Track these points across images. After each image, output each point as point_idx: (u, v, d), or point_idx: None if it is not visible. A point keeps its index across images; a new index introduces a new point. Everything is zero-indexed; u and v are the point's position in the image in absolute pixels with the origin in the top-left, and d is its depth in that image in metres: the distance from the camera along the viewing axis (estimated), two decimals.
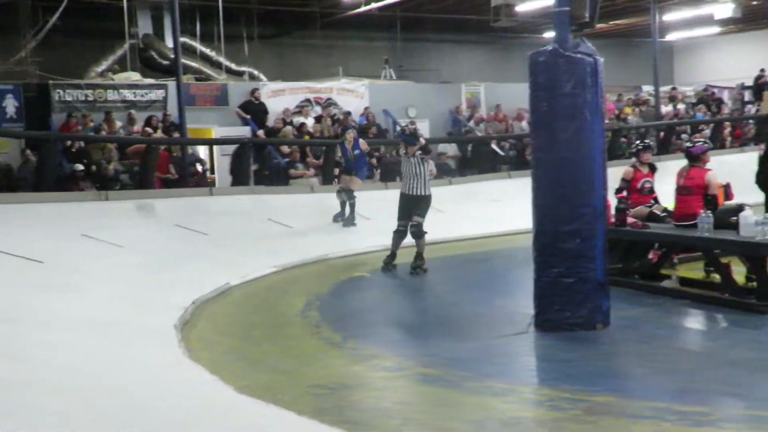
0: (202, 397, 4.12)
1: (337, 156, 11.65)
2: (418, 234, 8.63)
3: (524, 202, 7.19)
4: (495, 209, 12.15)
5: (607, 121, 11.75)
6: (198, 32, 17.44)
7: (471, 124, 17.36)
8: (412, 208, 8.70)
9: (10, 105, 13.46)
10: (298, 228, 10.58)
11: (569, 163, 5.83)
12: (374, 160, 14.03)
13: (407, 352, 5.48)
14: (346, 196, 10.93)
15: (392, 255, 8.82)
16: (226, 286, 7.80)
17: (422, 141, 8.96)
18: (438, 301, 7.44)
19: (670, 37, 24.12)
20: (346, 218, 10.94)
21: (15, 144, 12.77)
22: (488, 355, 5.35)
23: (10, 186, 11.47)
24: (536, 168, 6.05)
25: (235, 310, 7.06)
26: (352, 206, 10.92)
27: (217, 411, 3.84)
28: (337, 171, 11.78)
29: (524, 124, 17.25)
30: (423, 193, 8.73)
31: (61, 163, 11.70)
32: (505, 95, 18.21)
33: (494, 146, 16.08)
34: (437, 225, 11.27)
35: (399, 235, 8.79)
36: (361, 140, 11.36)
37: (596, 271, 5.85)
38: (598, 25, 8.89)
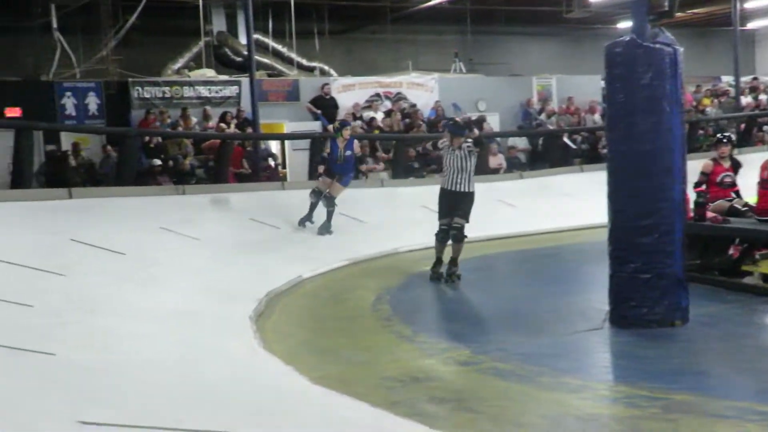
0: (278, 386, 4.20)
1: (324, 152, 10.12)
2: (459, 237, 7.86)
3: (597, 196, 7.09)
4: (567, 203, 11.95)
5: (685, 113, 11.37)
6: (270, 29, 17.70)
7: (542, 117, 17.11)
8: (454, 206, 7.92)
9: (92, 102, 13.97)
10: (369, 222, 10.63)
11: (647, 155, 5.70)
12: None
13: (479, 347, 5.45)
14: (325, 202, 9.81)
15: (439, 261, 8.03)
16: (299, 278, 7.92)
17: (475, 133, 8.26)
18: (509, 295, 7.36)
19: (752, 25, 23.23)
20: (321, 225, 9.82)
21: (97, 140, 13.24)
22: (562, 350, 5.28)
23: (93, 180, 11.89)
24: (612, 161, 5.93)
25: (308, 302, 7.17)
26: (330, 214, 9.81)
27: (294, 400, 3.91)
28: (321, 169, 10.05)
29: (597, 116, 16.91)
30: (466, 190, 7.90)
31: (140, 159, 12.07)
32: (578, 87, 17.90)
33: (566, 139, 15.80)
34: (508, 220, 11.21)
35: (443, 237, 8.01)
36: (356, 141, 10.38)
37: (674, 266, 5.71)
38: (676, 14, 8.60)
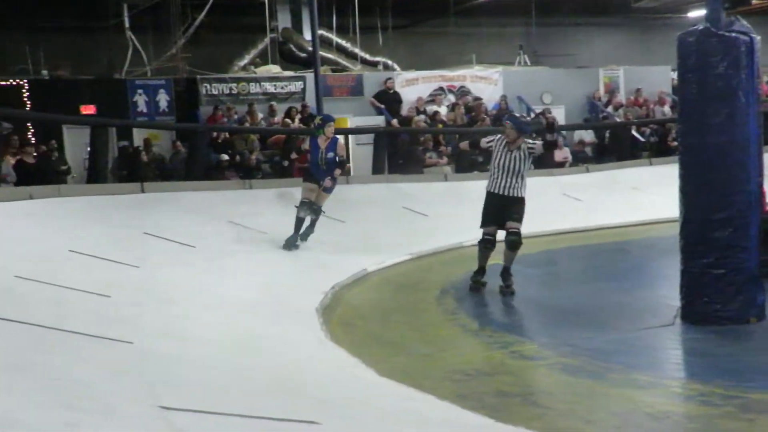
0: (346, 378, 4.26)
1: (303, 147, 8.70)
2: (517, 244, 6.93)
3: (666, 189, 6.93)
4: (635, 197, 11.72)
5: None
6: (334, 25, 17.84)
7: (609, 109, 16.79)
8: (505, 211, 6.98)
9: (163, 99, 14.34)
10: (433, 216, 10.63)
11: (721, 147, 5.54)
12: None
13: (546, 341, 5.41)
14: (313, 212, 8.43)
15: (481, 271, 7.18)
16: (364, 272, 7.98)
17: (550, 119, 7.39)
18: (577, 290, 7.26)
19: None
20: (303, 231, 8.46)
21: (167, 136, 13.60)
22: (632, 347, 5.19)
23: (163, 175, 12.22)
24: (684, 153, 5.79)
25: (373, 295, 7.22)
26: (313, 222, 8.56)
27: (363, 392, 3.96)
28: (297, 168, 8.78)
29: (666, 108, 16.51)
30: (520, 195, 7.03)
31: (209, 154, 12.34)
32: (646, 79, 17.51)
33: (634, 132, 15.47)
34: (573, 214, 11.05)
35: (488, 246, 7.10)
36: (340, 143, 8.72)
37: (749, 262, 5.55)
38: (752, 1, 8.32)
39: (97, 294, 4.93)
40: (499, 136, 7.08)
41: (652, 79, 17.51)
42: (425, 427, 3.49)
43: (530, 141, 7.05)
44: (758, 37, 5.64)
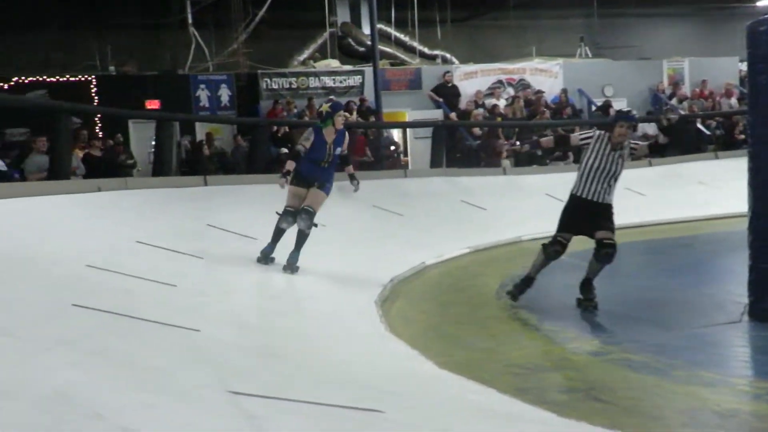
0: (407, 369, 4.28)
1: (302, 145, 6.78)
2: (611, 258, 6.07)
3: (733, 184, 6.72)
4: (700, 192, 11.44)
5: None
6: (393, 18, 17.87)
7: (673, 102, 16.41)
8: (595, 220, 6.07)
9: (224, 94, 14.61)
10: (491, 209, 10.58)
11: None
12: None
13: (609, 337, 5.34)
14: (303, 220, 6.73)
15: (530, 281, 6.39)
16: (422, 265, 8.00)
17: (677, 113, 6.47)
18: (640, 286, 7.13)
19: None
20: (289, 257, 6.70)
21: (228, 130, 13.85)
22: (698, 343, 5.08)
23: (225, 168, 12.45)
24: (754, 146, 5.63)
25: (431, 288, 7.23)
26: (303, 238, 6.75)
27: (424, 384, 3.98)
28: (288, 165, 6.77)
29: (733, 100, 16.04)
30: (611, 202, 6.13)
31: (269, 148, 12.52)
32: (712, 70, 17.06)
33: (699, 125, 15.08)
34: (636, 209, 10.84)
35: (557, 252, 6.22)
36: (347, 134, 7.08)
37: None
38: None
39: (164, 283, 5.07)
40: (598, 133, 6.07)
41: (719, 70, 17.05)
42: (488, 419, 3.49)
43: (632, 141, 6.19)
44: None
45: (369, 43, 14.46)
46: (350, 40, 17.39)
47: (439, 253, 8.47)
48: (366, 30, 16.46)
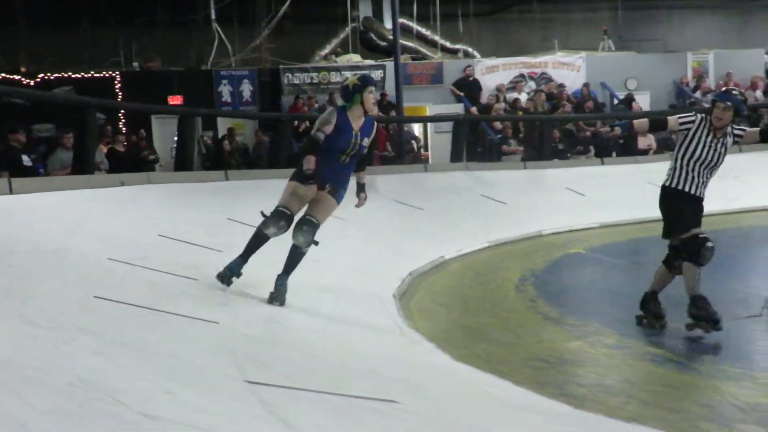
0: (424, 362, 4.30)
1: (321, 131, 5.02)
2: (705, 259, 5.28)
3: (761, 177, 6.66)
4: (724, 185, 11.29)
5: None
6: (415, 13, 17.85)
7: (697, 94, 16.23)
8: (700, 217, 5.30)
9: (246, 89, 14.71)
10: (512, 204, 10.55)
11: None
12: (587, 134, 12.86)
13: (630, 331, 5.32)
14: (302, 231, 5.12)
15: (697, 300, 5.19)
16: (441, 259, 8.01)
17: None
18: None
19: None
20: (277, 286, 5.07)
21: (250, 125, 13.93)
22: (719, 337, 5.04)
23: (247, 163, 12.53)
24: None
25: (451, 282, 7.23)
26: (297, 258, 5.14)
27: (440, 376, 4.00)
28: (309, 172, 5.01)
29: (759, 93, 15.84)
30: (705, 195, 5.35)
31: (290, 143, 12.57)
32: (738, 63, 16.83)
33: None
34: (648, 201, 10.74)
35: (712, 251, 5.24)
36: (376, 128, 5.35)
37: None
38: None
39: (185, 277, 5.12)
40: (700, 116, 5.29)
41: (745, 63, 16.83)
42: (503, 411, 3.50)
43: (737, 126, 5.42)
44: None
45: (391, 37, 14.46)
46: (372, 34, 17.41)
47: (459, 247, 8.47)
48: (388, 24, 16.47)
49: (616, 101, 15.90)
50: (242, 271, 5.09)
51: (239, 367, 2.98)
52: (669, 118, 5.34)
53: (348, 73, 15.18)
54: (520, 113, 14.33)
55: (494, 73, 16.01)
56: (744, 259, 7.74)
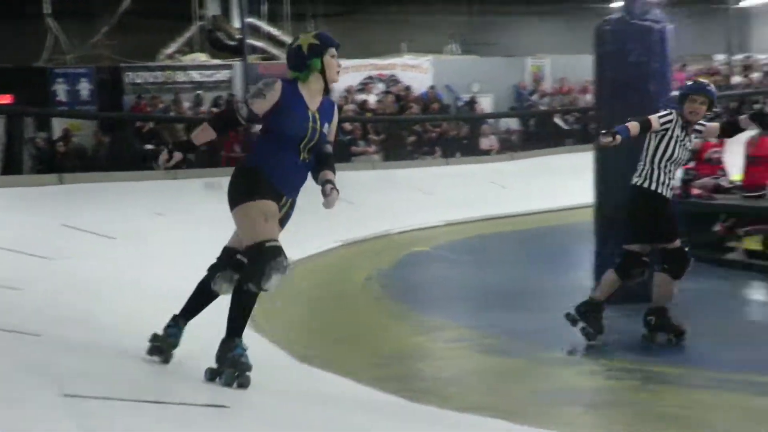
0: (263, 364, 4.22)
1: (246, 106, 3.56)
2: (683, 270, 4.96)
3: (589, 176, 7.09)
4: (559, 183, 12.01)
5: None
6: (265, 12, 17.66)
7: (534, 98, 17.13)
8: (672, 223, 4.95)
9: (84, 88, 13.97)
10: (360, 204, 10.64)
11: None
12: (433, 135, 13.37)
13: (470, 324, 5.51)
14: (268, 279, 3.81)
15: (600, 308, 4.99)
16: (289, 260, 7.93)
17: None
18: (501, 275, 7.40)
19: (748, 2, 23.14)
20: (225, 373, 3.42)
21: (89, 126, 13.24)
22: (551, 327, 5.31)
23: (84, 166, 11.88)
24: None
25: (298, 283, 7.16)
26: (247, 313, 3.86)
27: (279, 378, 3.97)
28: (184, 142, 3.92)
29: (590, 96, 16.92)
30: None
31: (133, 144, 12.08)
32: (572, 68, 17.86)
33: (557, 120, 15.84)
34: (498, 200, 11.25)
35: (642, 271, 4.97)
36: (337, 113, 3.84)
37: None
38: None
39: (7, 287, 4.79)
40: (674, 114, 4.85)
41: (578, 68, 17.84)
42: (337, 409, 3.52)
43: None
44: (671, 26, 5.84)
45: (239, 36, 14.24)
46: (220, 33, 17.06)
47: (306, 248, 8.43)
48: (236, 23, 16.19)
49: (460, 103, 16.46)
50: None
51: (60, 381, 2.82)
52: (651, 118, 4.83)
53: (194, 73, 14.81)
54: (369, 114, 14.52)
55: (344, 74, 16.06)
56: (572, 253, 8.22)
